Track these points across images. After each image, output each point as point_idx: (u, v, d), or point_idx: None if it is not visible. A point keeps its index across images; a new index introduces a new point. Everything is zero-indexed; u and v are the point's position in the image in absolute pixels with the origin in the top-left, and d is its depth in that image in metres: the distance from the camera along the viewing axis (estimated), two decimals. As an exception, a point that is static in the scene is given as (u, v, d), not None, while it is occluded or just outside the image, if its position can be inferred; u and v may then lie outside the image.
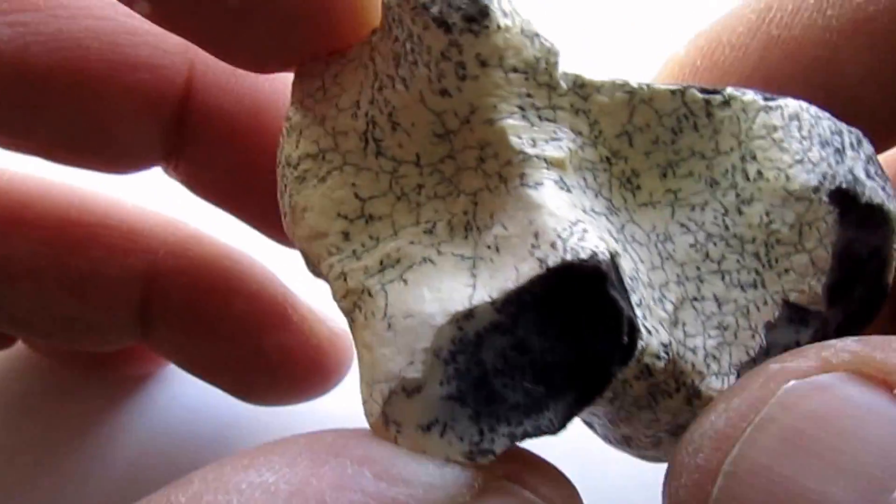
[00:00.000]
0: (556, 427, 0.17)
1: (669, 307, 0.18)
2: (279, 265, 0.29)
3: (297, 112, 0.19)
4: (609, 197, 0.18)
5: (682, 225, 0.19)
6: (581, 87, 0.18)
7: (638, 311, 0.17)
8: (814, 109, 0.19)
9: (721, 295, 0.19)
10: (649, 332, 0.17)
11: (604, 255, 0.16)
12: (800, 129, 0.18)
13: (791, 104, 0.19)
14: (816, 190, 0.18)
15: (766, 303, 0.18)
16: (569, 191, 0.18)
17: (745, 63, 0.21)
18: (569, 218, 0.17)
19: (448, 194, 0.18)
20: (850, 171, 0.18)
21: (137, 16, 0.20)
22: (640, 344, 0.17)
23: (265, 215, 0.26)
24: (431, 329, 0.17)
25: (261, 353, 0.28)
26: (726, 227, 0.19)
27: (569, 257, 0.16)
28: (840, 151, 0.18)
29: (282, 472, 0.15)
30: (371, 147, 0.18)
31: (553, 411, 0.17)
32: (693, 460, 0.16)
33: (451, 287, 0.17)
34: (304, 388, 0.29)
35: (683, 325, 0.18)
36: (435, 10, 0.17)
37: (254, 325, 0.28)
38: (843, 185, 0.18)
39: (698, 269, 0.19)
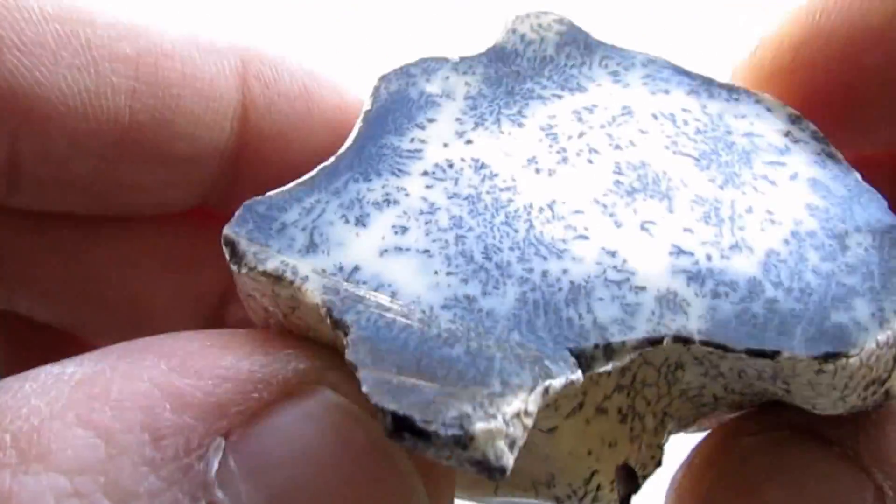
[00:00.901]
0: None
1: (671, 424, 0.19)
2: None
3: (255, 301, 0.17)
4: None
5: (697, 359, 0.17)
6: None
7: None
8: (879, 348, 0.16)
9: (707, 400, 0.19)
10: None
11: None
12: (850, 379, 0.16)
13: (852, 363, 0.16)
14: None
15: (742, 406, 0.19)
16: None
17: (867, 36, 0.19)
18: None
19: None
20: (884, 389, 0.17)
21: None
22: None
23: None
24: None
25: None
26: (732, 391, 0.18)
27: None
28: (882, 381, 0.17)
29: (85, 364, 0.15)
30: None
31: None
32: (675, 495, 0.19)
33: None
34: None
35: (668, 431, 0.19)
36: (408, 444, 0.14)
37: None
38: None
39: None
